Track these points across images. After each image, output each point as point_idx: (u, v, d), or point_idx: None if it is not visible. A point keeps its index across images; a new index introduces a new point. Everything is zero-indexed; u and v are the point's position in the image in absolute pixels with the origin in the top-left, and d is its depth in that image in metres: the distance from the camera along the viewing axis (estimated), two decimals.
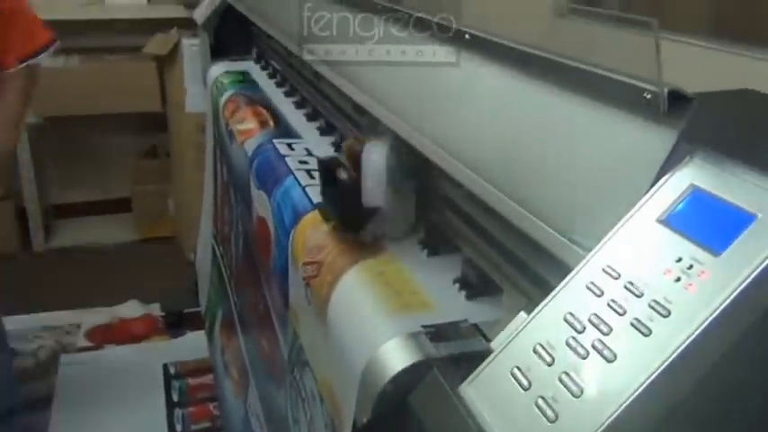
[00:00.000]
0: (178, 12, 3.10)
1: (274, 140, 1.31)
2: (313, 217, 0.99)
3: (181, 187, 3.15)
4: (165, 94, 3.19)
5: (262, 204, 1.20)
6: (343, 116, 1.26)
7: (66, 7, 3.24)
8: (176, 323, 2.68)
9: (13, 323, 2.64)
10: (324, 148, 1.27)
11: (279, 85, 1.72)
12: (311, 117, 1.45)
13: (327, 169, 0.92)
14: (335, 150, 1.22)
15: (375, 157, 0.85)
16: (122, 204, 3.43)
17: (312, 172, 1.14)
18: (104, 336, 2.66)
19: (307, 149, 1.27)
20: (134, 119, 3.38)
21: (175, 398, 2.34)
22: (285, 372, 1.10)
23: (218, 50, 2.10)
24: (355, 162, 0.87)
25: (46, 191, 3.42)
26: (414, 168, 0.87)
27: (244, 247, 1.53)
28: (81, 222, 3.49)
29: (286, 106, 1.55)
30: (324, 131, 1.36)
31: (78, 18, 3.23)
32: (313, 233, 0.97)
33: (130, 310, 2.80)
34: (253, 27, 1.91)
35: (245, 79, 1.81)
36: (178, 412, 2.28)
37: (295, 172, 1.15)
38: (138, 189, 3.39)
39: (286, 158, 1.22)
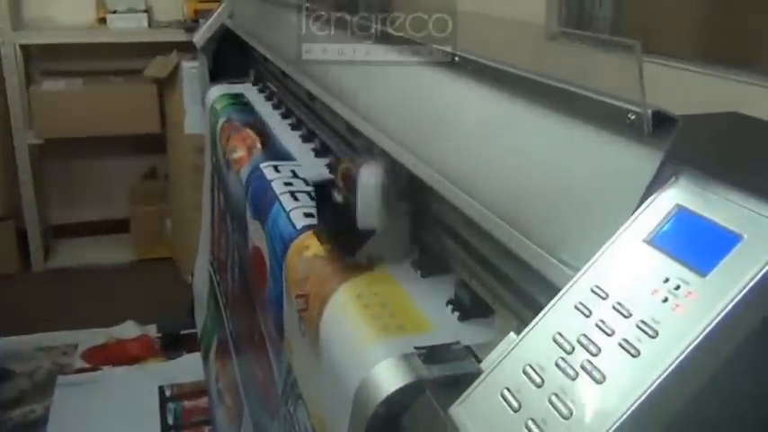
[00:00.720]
0: (178, 35, 3.12)
1: (261, 165, 1.30)
2: (298, 244, 0.99)
3: (179, 208, 3.15)
4: (165, 116, 3.20)
5: (257, 234, 1.19)
6: (337, 137, 1.26)
7: (69, 31, 3.26)
8: (173, 344, 2.67)
9: (10, 343, 2.64)
10: (318, 169, 1.27)
11: (275, 107, 1.73)
12: (306, 138, 1.45)
13: (323, 191, 0.93)
14: (330, 172, 1.20)
15: (369, 179, 0.85)
16: (121, 225, 3.43)
17: (296, 194, 1.14)
18: (101, 357, 2.65)
19: (292, 171, 1.26)
20: (134, 140, 3.39)
21: (170, 421, 2.32)
22: (279, 404, 1.09)
23: (217, 73, 2.12)
24: (350, 184, 0.87)
25: (46, 211, 3.42)
26: (408, 190, 0.88)
27: (239, 276, 1.52)
28: (80, 243, 3.48)
29: (282, 128, 1.55)
30: (319, 153, 1.36)
31: (80, 41, 3.25)
32: (299, 262, 0.96)
33: (127, 330, 2.78)
34: (250, 50, 1.92)
35: (237, 102, 1.82)
36: None
37: (280, 197, 1.14)
38: (137, 210, 3.39)
39: (272, 183, 1.21)
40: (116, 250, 3.40)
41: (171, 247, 3.32)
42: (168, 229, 3.33)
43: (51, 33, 3.25)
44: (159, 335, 2.74)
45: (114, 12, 3.30)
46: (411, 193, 0.88)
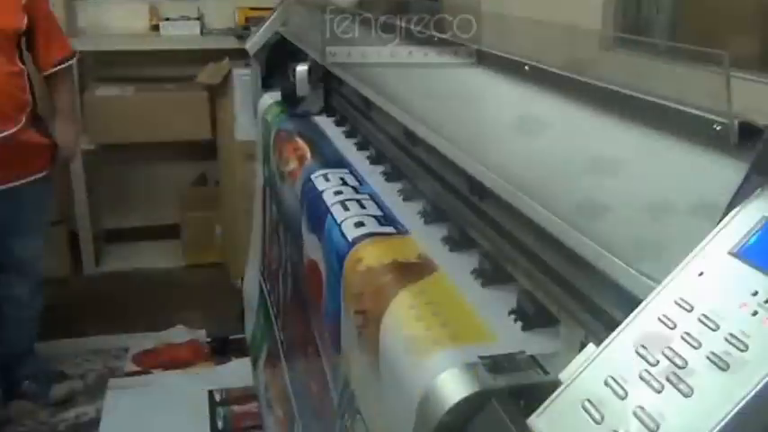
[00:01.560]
0: (230, 42, 3.15)
1: (312, 176, 1.31)
2: (352, 258, 0.99)
3: (229, 214, 3.17)
4: (216, 123, 3.23)
5: (313, 247, 1.19)
6: (394, 144, 1.26)
7: (122, 38, 3.31)
8: (221, 349, 2.69)
9: (63, 346, 2.69)
10: (374, 178, 1.27)
11: (329, 114, 1.73)
12: (361, 146, 1.45)
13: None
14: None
15: (301, 70, 1.70)
16: (171, 230, 3.47)
17: (347, 202, 1.14)
18: (151, 360, 2.68)
19: (341, 178, 1.27)
20: (185, 146, 3.42)
21: (220, 425, 2.33)
22: (335, 417, 1.09)
23: (270, 80, 2.13)
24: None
25: (98, 216, 3.47)
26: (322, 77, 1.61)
27: (293, 287, 1.52)
28: (131, 247, 3.52)
29: (337, 136, 1.55)
30: (373, 160, 1.36)
31: (133, 48, 3.30)
32: (354, 276, 0.96)
33: (177, 335, 2.81)
34: (303, 57, 1.92)
35: (284, 110, 1.82)
36: None
37: (331, 208, 1.14)
38: (187, 215, 3.42)
39: (323, 194, 1.21)
40: (166, 255, 3.44)
41: (221, 252, 3.35)
42: (218, 235, 3.36)
43: (105, 40, 3.31)
44: (208, 340, 2.76)
45: (167, 19, 3.35)
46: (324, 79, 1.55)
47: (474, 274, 0.89)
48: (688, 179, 0.51)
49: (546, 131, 0.70)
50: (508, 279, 0.84)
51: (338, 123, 1.68)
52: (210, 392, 2.47)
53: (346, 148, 1.47)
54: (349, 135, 1.54)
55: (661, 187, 0.53)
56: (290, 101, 1.78)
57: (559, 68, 0.70)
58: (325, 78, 1.74)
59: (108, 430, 2.28)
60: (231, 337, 2.64)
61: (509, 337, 0.76)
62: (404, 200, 1.17)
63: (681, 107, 0.52)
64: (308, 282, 1.26)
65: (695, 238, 0.48)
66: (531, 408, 0.52)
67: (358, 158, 1.39)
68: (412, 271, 0.90)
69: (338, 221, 1.08)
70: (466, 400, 0.63)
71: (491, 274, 0.88)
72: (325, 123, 1.67)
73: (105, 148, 3.29)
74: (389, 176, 1.27)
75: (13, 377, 2.41)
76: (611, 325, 0.50)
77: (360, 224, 1.05)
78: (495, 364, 0.68)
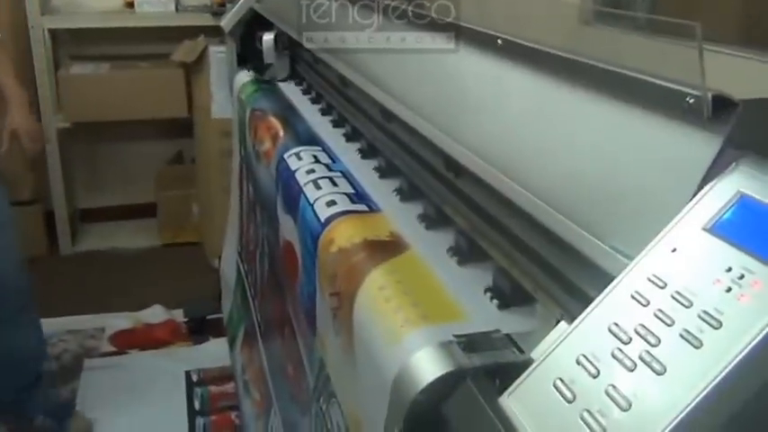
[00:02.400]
0: (206, 20, 3.11)
1: (285, 155, 1.29)
2: (324, 239, 0.98)
3: (205, 193, 3.15)
4: (192, 101, 3.20)
5: (288, 228, 1.18)
6: (369, 122, 1.25)
7: (97, 15, 3.26)
8: (199, 329, 2.68)
9: None
10: (349, 156, 1.26)
11: (305, 92, 1.72)
12: (337, 124, 1.44)
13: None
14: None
15: (268, 39, 1.75)
16: (148, 209, 3.44)
17: (319, 181, 1.13)
18: (128, 341, 2.66)
19: (314, 156, 1.25)
20: (160, 125, 3.39)
21: (197, 405, 2.32)
22: (311, 400, 1.08)
23: (245, 58, 2.10)
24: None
25: (73, 195, 3.44)
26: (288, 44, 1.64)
27: (269, 268, 1.51)
28: (107, 227, 3.50)
29: (312, 114, 1.54)
30: (350, 138, 1.35)
31: (107, 26, 3.25)
32: (327, 258, 0.95)
33: (154, 315, 2.80)
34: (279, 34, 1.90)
35: (263, 87, 1.80)
36: (200, 421, 2.26)
37: (304, 188, 1.13)
38: (164, 194, 3.40)
39: (296, 174, 1.20)
40: (143, 234, 3.41)
41: (198, 231, 3.33)
42: (195, 214, 3.34)
43: (79, 18, 3.26)
44: (186, 320, 2.75)
45: None
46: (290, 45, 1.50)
47: (450, 252, 0.89)
48: (662, 154, 0.50)
49: (521, 107, 0.69)
50: (485, 257, 0.84)
51: (305, 92, 1.69)
52: (187, 373, 2.45)
53: (321, 125, 1.45)
54: (325, 113, 1.53)
55: (634, 162, 0.52)
56: (258, 68, 1.88)
57: (536, 43, 0.69)
58: (291, 46, 1.79)
59: (83, 411, 2.25)
60: (208, 317, 2.63)
61: (484, 316, 0.75)
62: (380, 177, 1.15)
63: (654, 80, 0.51)
64: (284, 263, 1.25)
65: (669, 213, 0.47)
66: (506, 387, 0.51)
67: (333, 136, 1.38)
68: (383, 250, 0.89)
69: (311, 201, 1.07)
70: (440, 380, 0.62)
71: (467, 253, 0.87)
72: (300, 101, 1.65)
73: (80, 127, 3.25)
74: (365, 153, 1.25)
75: (24, 412, 2.13)
76: (587, 303, 0.49)
77: (332, 203, 1.03)
78: (470, 343, 0.67)
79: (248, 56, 2.08)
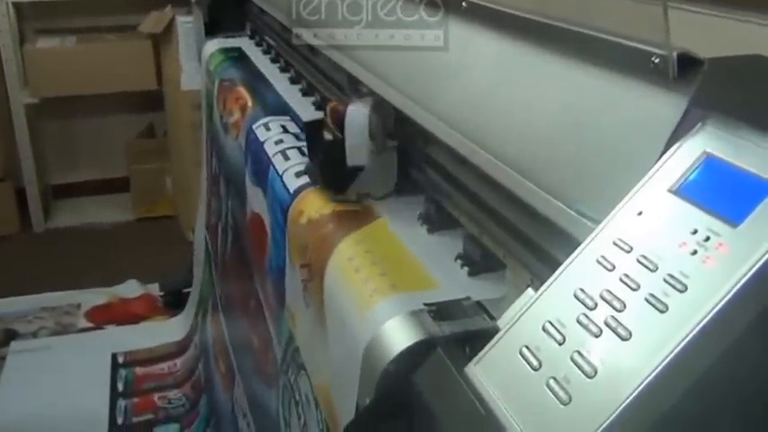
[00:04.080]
0: None
1: (253, 126, 1.27)
2: (294, 210, 0.97)
3: (179, 166, 3.12)
4: (161, 73, 3.16)
5: (257, 201, 1.17)
6: (336, 88, 1.23)
7: None
8: (175, 303, 2.66)
9: (13, 304, 2.63)
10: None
11: (273, 60, 1.69)
12: (307, 92, 1.42)
13: (313, 131, 0.96)
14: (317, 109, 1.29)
15: (357, 117, 0.89)
16: (120, 184, 3.40)
17: (287, 151, 1.11)
18: (104, 316, 2.64)
19: (283, 126, 1.23)
20: (130, 98, 3.35)
21: (120, 387, 2.26)
22: (278, 372, 1.08)
23: (213, 27, 2.07)
24: (339, 123, 0.90)
25: (44, 171, 3.39)
26: (396, 127, 0.91)
27: (233, 241, 1.50)
28: (80, 203, 3.46)
29: (281, 83, 1.52)
30: (319, 107, 1.33)
31: None
32: (297, 229, 0.94)
33: (130, 290, 2.77)
34: (246, 3, 1.88)
35: (231, 57, 1.78)
36: (121, 403, 2.20)
37: (273, 159, 1.11)
38: (136, 168, 3.36)
39: (265, 145, 1.18)
40: (116, 209, 3.38)
41: (172, 204, 3.30)
42: (168, 187, 3.31)
43: None
44: (161, 293, 2.73)
45: None
46: (398, 131, 0.91)
47: (420, 220, 0.88)
48: (627, 115, 0.50)
49: (485, 70, 0.68)
50: (455, 224, 0.83)
51: (273, 60, 1.66)
52: (114, 355, 2.39)
53: (290, 93, 1.43)
54: (293, 81, 1.51)
55: (600, 124, 0.52)
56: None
57: (500, 5, 0.68)
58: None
59: (3, 397, 2.17)
60: (185, 290, 2.61)
61: (455, 284, 0.74)
62: None
63: (618, 40, 0.50)
64: (251, 236, 1.24)
65: (635, 176, 0.46)
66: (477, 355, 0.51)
67: (303, 104, 1.36)
68: (353, 219, 0.88)
69: (280, 172, 1.06)
70: (410, 349, 0.62)
71: (437, 220, 0.86)
72: (269, 70, 1.62)
73: (49, 102, 3.20)
74: None
75: None
76: (556, 269, 0.49)
77: (301, 173, 1.02)
78: (440, 311, 0.66)
79: (216, 25, 2.06)
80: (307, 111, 1.32)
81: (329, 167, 0.93)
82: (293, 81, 1.51)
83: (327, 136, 0.93)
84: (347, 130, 0.88)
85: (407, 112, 0.81)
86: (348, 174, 0.91)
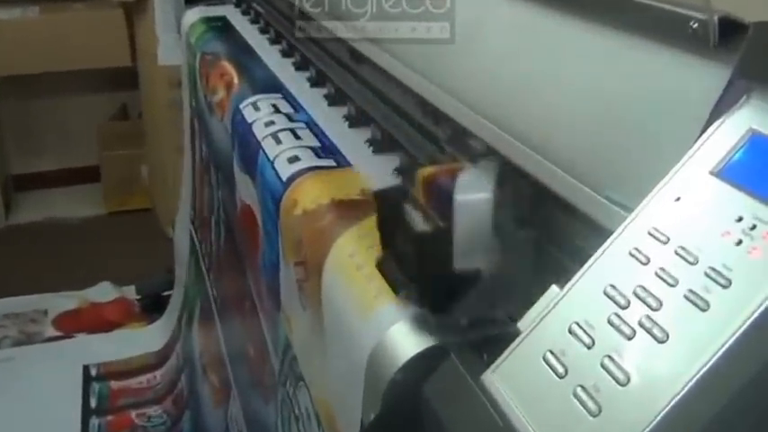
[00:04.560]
0: None
1: (240, 106, 1.28)
2: (286, 201, 0.97)
3: (155, 152, 3.13)
4: (135, 46, 3.16)
5: (246, 190, 1.17)
6: (336, 64, 1.24)
7: None
8: (154, 307, 2.66)
9: None
10: (315, 103, 1.24)
11: (262, 31, 1.70)
12: (300, 66, 1.42)
13: (392, 209, 0.69)
14: (399, 175, 0.96)
15: (475, 195, 0.61)
16: (90, 173, 3.41)
17: (279, 134, 1.12)
18: (74, 323, 2.65)
19: (273, 105, 1.24)
20: (100, 75, 3.35)
21: (93, 404, 2.26)
22: (276, 385, 1.09)
23: None
24: (440, 202, 0.63)
25: (4, 160, 3.41)
26: (534, 209, 0.64)
27: (226, 236, 1.51)
28: (45, 195, 3.47)
29: (270, 55, 1.52)
30: (314, 83, 1.34)
31: None
32: (291, 222, 0.95)
33: (102, 293, 2.78)
34: None
35: (214, 27, 1.78)
36: (95, 421, 2.20)
37: (262, 143, 1.12)
38: (107, 155, 3.37)
39: (253, 127, 1.19)
40: (86, 202, 3.39)
41: (148, 196, 3.31)
42: (144, 177, 3.32)
43: None
44: (138, 297, 2.74)
45: None
46: (537, 213, 0.64)
47: None
48: (663, 88, 0.50)
49: (506, 40, 0.68)
50: None
51: (263, 31, 1.67)
52: (86, 367, 2.39)
53: (282, 68, 1.44)
54: (286, 54, 1.51)
55: (632, 99, 0.52)
56: None
57: None
58: None
59: None
60: (165, 293, 2.62)
61: None
62: (350, 126, 1.15)
63: (651, 2, 0.50)
64: (243, 230, 1.25)
65: (672, 157, 0.46)
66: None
67: (296, 80, 1.37)
68: (354, 210, 0.88)
69: (270, 158, 1.06)
70: (420, 356, 0.62)
71: None
72: (257, 42, 1.63)
73: (9, 81, 3.21)
74: (333, 100, 1.24)
75: None
76: (584, 263, 0.49)
77: (294, 159, 1.03)
78: None
79: None
80: (301, 88, 1.32)
81: (421, 271, 0.64)
82: (285, 54, 1.51)
83: (416, 220, 0.65)
84: (457, 218, 0.61)
85: (416, 88, 0.81)
86: (455, 283, 0.62)
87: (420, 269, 0.64)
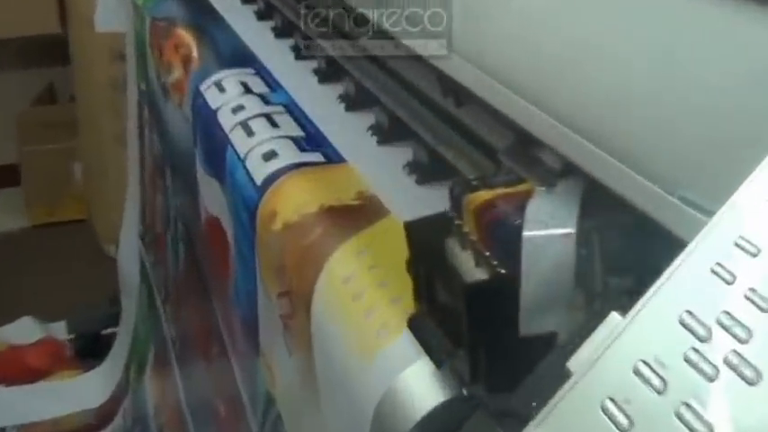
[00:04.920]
0: None
1: (201, 86, 1.28)
2: (263, 212, 0.97)
3: (92, 145, 3.15)
4: (65, 9, 3.18)
5: (212, 197, 1.17)
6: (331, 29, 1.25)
7: None
8: (90, 350, 2.66)
9: None
10: (301, 80, 1.25)
11: None
12: (281, 33, 1.43)
13: (430, 248, 0.67)
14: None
15: (554, 232, 0.58)
16: (7, 174, 3.43)
17: (250, 122, 1.11)
18: None
19: (243, 84, 1.24)
20: (22, 46, 3.37)
21: None
22: None
23: None
24: (495, 235, 0.61)
25: None
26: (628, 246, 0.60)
27: (186, 257, 1.50)
28: None
29: (242, 20, 1.52)
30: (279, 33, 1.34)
31: None
32: (269, 240, 0.94)
33: (23, 332, 2.79)
34: None
35: None
36: None
37: (230, 136, 1.12)
38: (29, 150, 3.38)
39: (218, 114, 1.19)
40: (2, 212, 3.41)
41: (83, 203, 3.32)
42: (77, 178, 3.33)
43: None
44: (71, 336, 2.74)
45: None
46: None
47: None
48: (748, 61, 0.50)
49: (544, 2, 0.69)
50: None
51: None
52: (2, 429, 2.41)
53: (256, 34, 1.44)
54: (262, 16, 1.51)
55: (709, 75, 0.53)
56: None
57: None
58: None
59: None
60: (105, 332, 2.63)
61: None
62: (347, 110, 1.15)
63: None
64: (208, 250, 1.25)
65: (761, 149, 0.47)
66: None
67: (276, 51, 1.37)
68: (348, 219, 0.88)
69: (241, 155, 1.06)
70: (440, 409, 0.63)
71: None
72: (224, 1, 1.64)
73: None
74: (325, 76, 1.25)
75: None
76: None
77: (271, 155, 1.02)
78: None
79: None
80: (283, 61, 1.32)
81: (472, 336, 0.61)
82: (261, 16, 1.51)
83: (466, 264, 0.62)
84: (525, 262, 0.57)
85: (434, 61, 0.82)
86: (521, 352, 0.58)
87: (471, 333, 0.61)
